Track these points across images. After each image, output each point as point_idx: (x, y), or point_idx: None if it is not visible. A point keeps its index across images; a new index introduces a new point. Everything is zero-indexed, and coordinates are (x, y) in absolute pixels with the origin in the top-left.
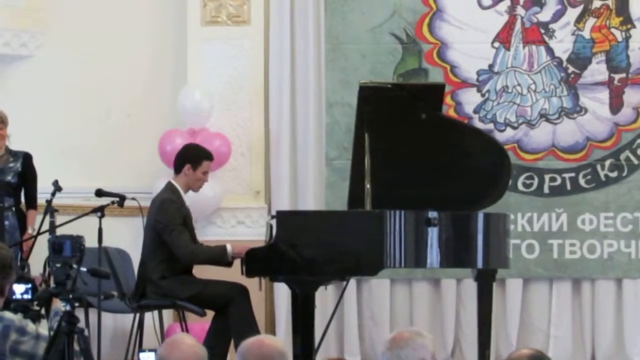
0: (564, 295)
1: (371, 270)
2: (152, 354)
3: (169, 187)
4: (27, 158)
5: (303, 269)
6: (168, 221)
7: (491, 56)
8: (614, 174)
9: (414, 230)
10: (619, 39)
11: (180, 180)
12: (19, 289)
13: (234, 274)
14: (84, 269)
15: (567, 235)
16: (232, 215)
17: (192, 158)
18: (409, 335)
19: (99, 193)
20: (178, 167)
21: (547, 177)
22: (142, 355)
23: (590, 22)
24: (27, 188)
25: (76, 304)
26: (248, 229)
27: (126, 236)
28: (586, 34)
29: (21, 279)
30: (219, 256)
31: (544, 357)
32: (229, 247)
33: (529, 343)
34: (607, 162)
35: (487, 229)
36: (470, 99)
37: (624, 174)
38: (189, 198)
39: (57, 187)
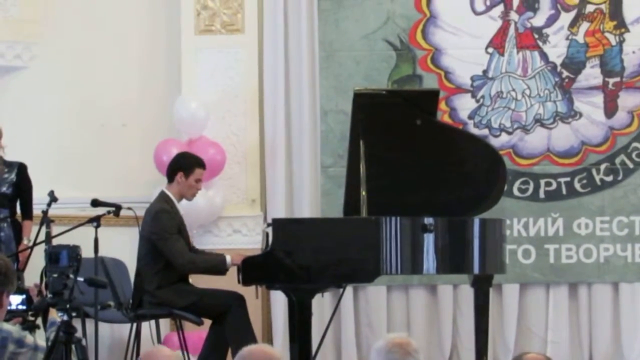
0: (560, 300)
1: (368, 277)
2: None
3: (162, 196)
4: (22, 168)
5: (299, 276)
6: (162, 230)
7: (485, 62)
8: (610, 178)
9: (410, 237)
10: (613, 43)
11: (173, 189)
12: (15, 300)
13: (230, 282)
14: (80, 278)
15: (563, 239)
16: (228, 223)
17: (184, 165)
18: (411, 341)
19: (95, 203)
20: (171, 176)
21: (542, 181)
22: None
23: (584, 26)
24: (22, 199)
25: (73, 314)
26: (244, 237)
27: (122, 246)
28: (580, 38)
29: (16, 290)
30: (218, 266)
31: None
32: (228, 258)
33: (527, 348)
34: (603, 166)
35: (483, 235)
36: (464, 105)
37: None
38: (186, 207)
39: (52, 198)
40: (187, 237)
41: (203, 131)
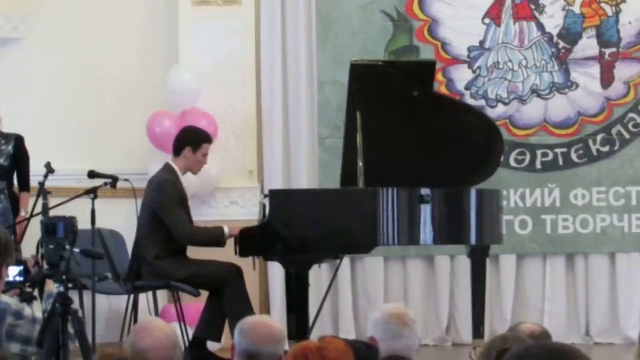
0: (557, 271)
1: (365, 248)
2: None
3: (167, 168)
4: (18, 140)
5: (296, 247)
6: (166, 200)
7: (482, 32)
8: (606, 149)
9: (407, 208)
10: (609, 13)
11: (179, 163)
12: (12, 272)
13: (227, 253)
14: (77, 250)
15: (560, 210)
16: (225, 195)
17: (192, 140)
18: (408, 311)
19: (92, 174)
20: (178, 149)
21: (539, 152)
22: None
23: None
24: (19, 170)
25: (69, 285)
26: (241, 209)
27: (119, 218)
28: (576, 9)
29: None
30: (216, 238)
31: (549, 334)
32: (226, 229)
33: (523, 318)
34: (599, 137)
35: (480, 205)
36: (461, 76)
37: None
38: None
39: (49, 169)
40: (188, 210)
41: (196, 102)
